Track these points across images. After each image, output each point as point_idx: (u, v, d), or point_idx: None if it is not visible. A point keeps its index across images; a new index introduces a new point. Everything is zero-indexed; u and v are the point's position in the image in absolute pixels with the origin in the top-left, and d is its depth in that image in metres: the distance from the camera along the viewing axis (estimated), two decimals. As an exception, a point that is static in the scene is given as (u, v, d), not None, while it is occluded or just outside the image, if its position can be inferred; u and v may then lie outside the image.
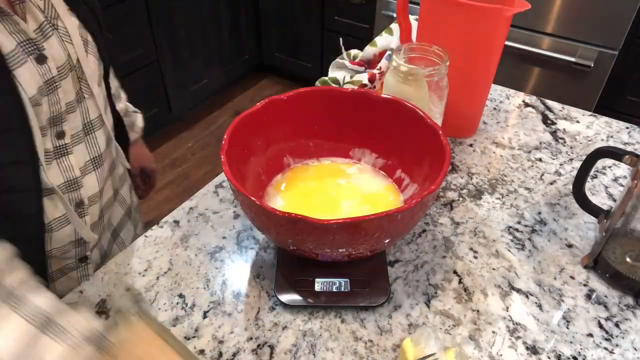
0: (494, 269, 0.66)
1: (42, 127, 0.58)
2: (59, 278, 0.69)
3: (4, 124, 0.53)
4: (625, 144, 0.90)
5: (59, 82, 0.59)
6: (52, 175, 0.61)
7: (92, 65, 0.65)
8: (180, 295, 0.62)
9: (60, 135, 0.62)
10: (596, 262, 0.65)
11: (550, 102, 1.00)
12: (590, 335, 0.59)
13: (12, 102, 0.53)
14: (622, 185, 0.80)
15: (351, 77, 0.92)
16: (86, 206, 0.67)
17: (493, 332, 0.59)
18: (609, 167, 0.84)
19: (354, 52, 0.98)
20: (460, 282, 0.65)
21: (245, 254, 0.68)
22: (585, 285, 0.65)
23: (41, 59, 0.56)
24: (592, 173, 0.80)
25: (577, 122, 0.95)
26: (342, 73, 0.94)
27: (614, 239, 0.65)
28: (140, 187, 0.98)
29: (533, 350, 0.57)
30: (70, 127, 0.63)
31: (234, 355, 0.56)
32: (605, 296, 0.63)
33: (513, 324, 0.60)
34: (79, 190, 0.65)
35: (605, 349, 0.57)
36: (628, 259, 0.64)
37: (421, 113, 0.66)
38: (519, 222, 0.73)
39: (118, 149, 0.78)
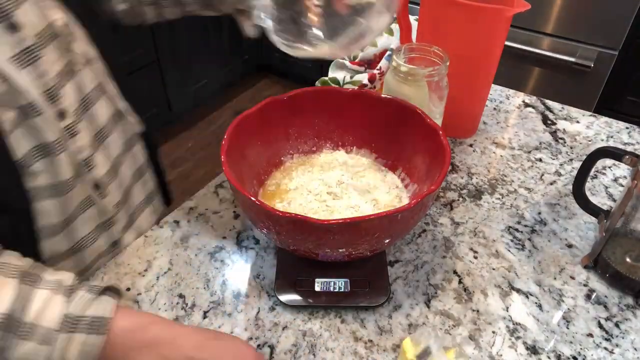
0: (494, 269, 0.66)
1: (34, 106, 0.52)
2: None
3: None
4: (625, 144, 0.90)
5: (39, 52, 0.53)
6: (64, 166, 0.57)
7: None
8: (180, 295, 0.62)
9: (62, 114, 0.57)
10: (596, 262, 0.65)
11: (550, 102, 1.00)
12: (590, 335, 0.59)
13: None
14: (622, 185, 0.80)
15: (351, 77, 0.92)
16: (102, 188, 0.64)
17: (493, 332, 0.59)
18: (609, 167, 0.84)
19: (354, 52, 0.98)
20: (460, 282, 0.65)
21: (245, 254, 0.68)
22: (585, 285, 0.65)
23: (12, 27, 0.50)
24: (592, 173, 0.80)
25: (577, 122, 0.95)
26: (342, 73, 0.94)
27: (614, 239, 0.65)
28: None
29: (533, 350, 0.57)
30: (69, 103, 0.57)
31: (234, 355, 0.56)
32: (605, 296, 0.63)
33: (513, 324, 0.60)
34: (92, 171, 0.62)
35: (605, 349, 0.57)
36: (628, 259, 0.64)
37: (421, 113, 0.66)
38: (519, 222, 0.73)
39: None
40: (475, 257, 0.68)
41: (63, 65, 0.57)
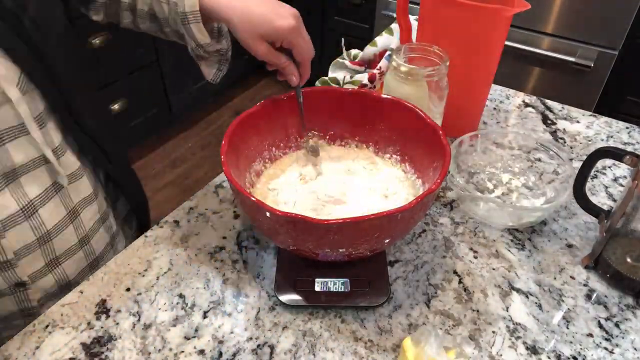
0: (494, 269, 0.66)
1: None
2: None
3: None
4: (625, 144, 0.90)
5: None
6: None
7: None
8: (180, 295, 0.62)
9: None
10: (597, 263, 0.65)
11: (550, 102, 1.00)
12: (590, 335, 0.59)
13: None
14: (622, 185, 0.80)
15: (351, 77, 0.92)
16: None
17: (493, 332, 0.59)
18: (609, 167, 0.84)
19: (354, 52, 0.98)
20: (460, 282, 0.65)
21: (245, 254, 0.68)
22: (585, 285, 0.65)
23: None
24: (592, 173, 0.80)
25: (577, 122, 0.95)
26: (342, 73, 0.94)
27: (614, 239, 0.65)
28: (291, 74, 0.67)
29: (533, 350, 0.57)
30: None
31: (234, 355, 0.56)
32: (605, 296, 0.63)
33: (513, 324, 0.60)
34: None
35: (605, 349, 0.57)
36: (629, 259, 0.64)
37: (421, 113, 0.66)
38: (519, 222, 0.73)
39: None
40: (475, 257, 0.68)
41: None
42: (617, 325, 0.60)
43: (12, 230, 0.58)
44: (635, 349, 0.58)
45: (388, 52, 0.90)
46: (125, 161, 0.80)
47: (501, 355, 0.56)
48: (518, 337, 0.58)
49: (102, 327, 0.59)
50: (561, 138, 0.91)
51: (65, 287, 0.67)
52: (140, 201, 0.83)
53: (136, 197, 0.81)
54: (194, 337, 0.58)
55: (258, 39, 0.61)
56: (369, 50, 0.94)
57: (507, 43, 0.94)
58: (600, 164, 0.84)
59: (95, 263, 0.71)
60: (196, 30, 0.62)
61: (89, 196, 0.67)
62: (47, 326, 0.59)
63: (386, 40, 0.93)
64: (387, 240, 0.58)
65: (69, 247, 0.65)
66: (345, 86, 0.91)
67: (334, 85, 0.92)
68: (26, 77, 0.56)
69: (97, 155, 0.68)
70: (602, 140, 0.91)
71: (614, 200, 0.77)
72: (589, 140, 0.91)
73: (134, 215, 0.82)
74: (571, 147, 0.89)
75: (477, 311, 0.61)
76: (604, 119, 0.96)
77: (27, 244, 0.60)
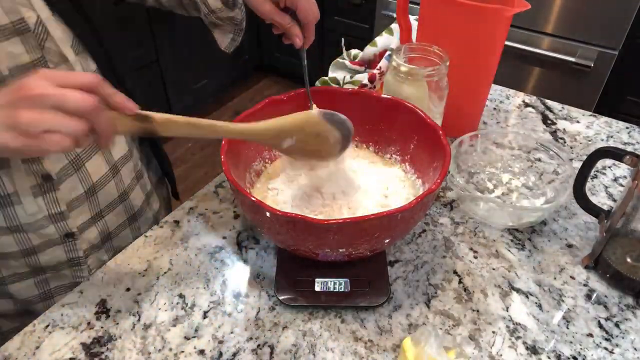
0: (494, 269, 0.66)
1: None
2: (45, 250, 0.66)
3: None
4: (625, 144, 0.90)
5: None
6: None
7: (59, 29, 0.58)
8: (180, 295, 0.62)
9: None
10: (597, 263, 0.65)
11: (550, 102, 1.00)
12: (590, 335, 0.59)
13: None
14: (622, 185, 0.80)
15: (351, 77, 0.92)
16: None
17: (493, 332, 0.59)
18: (609, 167, 0.84)
19: (354, 52, 0.98)
20: (460, 282, 0.65)
21: (245, 254, 0.68)
22: (585, 285, 0.65)
23: None
24: (592, 173, 0.80)
25: (577, 122, 0.95)
26: (342, 73, 0.94)
27: (614, 239, 0.65)
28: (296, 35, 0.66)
29: (533, 350, 0.57)
30: None
31: (234, 355, 0.56)
32: (605, 296, 0.63)
33: (513, 324, 0.60)
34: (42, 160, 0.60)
35: (605, 349, 0.57)
36: (629, 259, 0.64)
37: (421, 113, 0.66)
38: (519, 222, 0.73)
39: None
40: (475, 257, 0.68)
41: (29, 60, 0.56)
42: (617, 325, 0.60)
43: (65, 182, 0.63)
44: (635, 349, 0.58)
45: (388, 52, 0.90)
46: None
47: (501, 355, 0.56)
48: (518, 337, 0.58)
49: (102, 327, 0.59)
50: (561, 138, 0.91)
51: (106, 238, 0.73)
52: (168, 169, 0.89)
53: (165, 163, 0.87)
54: (194, 337, 0.58)
55: None
56: (369, 50, 0.94)
57: (507, 43, 0.94)
58: (600, 164, 0.84)
59: (134, 218, 0.76)
60: None
61: (126, 154, 0.72)
62: (47, 326, 0.59)
63: (386, 40, 0.93)
64: (387, 240, 0.58)
65: (111, 201, 0.71)
66: (345, 86, 0.91)
67: (334, 85, 0.92)
68: (77, 39, 0.61)
69: None
70: (602, 140, 0.91)
71: (614, 200, 0.77)
72: (589, 140, 0.91)
73: (165, 182, 0.88)
74: (571, 147, 0.89)
75: (477, 311, 0.61)
76: (604, 119, 0.96)
77: (76, 195, 0.65)
